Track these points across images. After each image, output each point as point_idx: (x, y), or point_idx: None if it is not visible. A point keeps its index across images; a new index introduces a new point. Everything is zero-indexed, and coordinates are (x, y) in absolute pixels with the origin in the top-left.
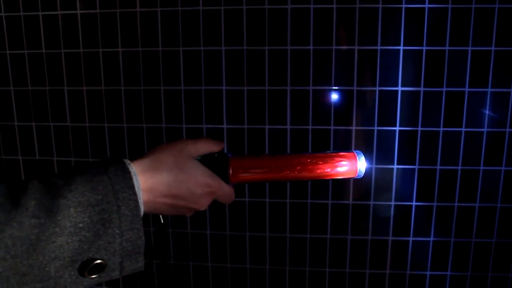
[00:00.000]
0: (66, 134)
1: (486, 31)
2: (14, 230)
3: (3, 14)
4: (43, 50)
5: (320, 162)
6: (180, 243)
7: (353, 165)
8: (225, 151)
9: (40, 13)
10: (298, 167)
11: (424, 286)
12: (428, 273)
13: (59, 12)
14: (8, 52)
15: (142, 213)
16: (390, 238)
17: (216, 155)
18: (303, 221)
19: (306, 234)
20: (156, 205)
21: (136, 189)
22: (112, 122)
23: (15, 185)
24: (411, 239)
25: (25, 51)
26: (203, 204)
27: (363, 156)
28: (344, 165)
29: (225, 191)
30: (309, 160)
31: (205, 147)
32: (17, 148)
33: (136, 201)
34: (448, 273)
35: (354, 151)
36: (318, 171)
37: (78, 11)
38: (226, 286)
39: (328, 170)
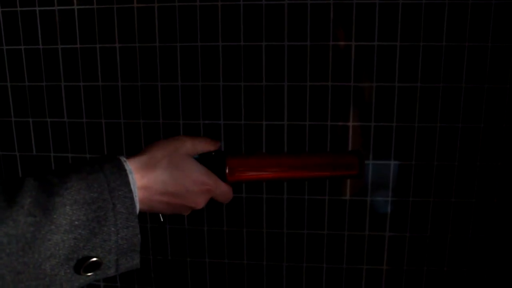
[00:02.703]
0: (63, 130)
1: (483, 27)
2: (9, 228)
3: None
4: (40, 46)
5: (319, 162)
6: (177, 239)
7: (353, 166)
8: (223, 147)
9: (37, 9)
10: (297, 167)
11: (421, 282)
12: (426, 268)
13: (56, 8)
14: (5, 47)
15: (137, 210)
16: (387, 233)
17: (213, 153)
18: (300, 217)
19: (303, 230)
20: (152, 203)
21: (132, 186)
22: (109, 118)
23: (10, 183)
24: (408, 235)
25: (22, 47)
26: (200, 202)
27: (363, 156)
28: (344, 166)
29: (222, 190)
30: (307, 161)
31: (203, 146)
32: (14, 144)
33: (131, 198)
34: (445, 269)
35: (354, 151)
36: (317, 171)
37: (75, 7)
38: (224, 281)
39: (327, 171)
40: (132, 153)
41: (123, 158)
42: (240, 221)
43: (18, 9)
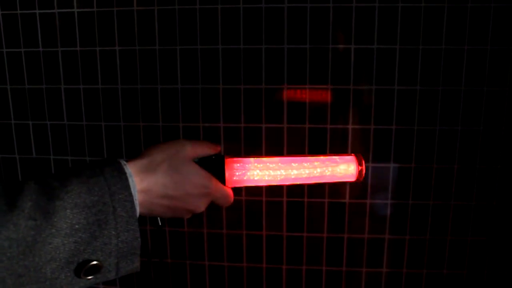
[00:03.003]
0: (63, 132)
1: (482, 30)
2: (10, 232)
3: None
4: (40, 49)
5: (318, 167)
6: (177, 242)
7: (352, 169)
8: (222, 150)
9: (37, 11)
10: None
11: (421, 284)
12: (425, 271)
13: (56, 11)
14: (5, 50)
15: (138, 214)
16: (387, 236)
17: (213, 157)
18: (299, 220)
19: (302, 232)
20: (152, 206)
21: (132, 190)
22: (109, 121)
23: (11, 187)
24: (407, 237)
25: (22, 49)
26: (200, 206)
27: (361, 159)
28: (343, 170)
29: (223, 194)
30: (307, 165)
31: (203, 149)
32: (14, 147)
33: (132, 202)
34: (444, 271)
35: (353, 154)
36: (316, 176)
37: (75, 10)
38: (223, 284)
39: (327, 175)
40: (132, 156)
41: (123, 162)
42: (239, 224)
43: (18, 12)
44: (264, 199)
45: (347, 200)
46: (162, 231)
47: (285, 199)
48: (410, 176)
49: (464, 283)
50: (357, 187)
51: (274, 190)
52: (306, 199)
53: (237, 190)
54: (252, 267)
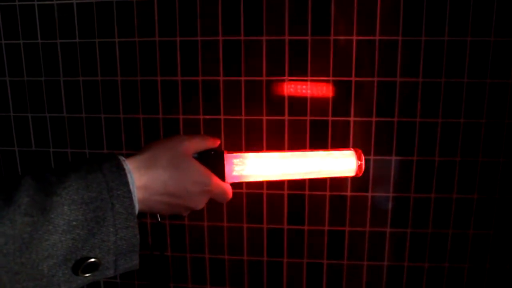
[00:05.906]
0: (62, 125)
1: (486, 21)
2: (6, 228)
3: None
4: (39, 40)
5: (318, 162)
6: (178, 235)
7: (352, 164)
8: (223, 142)
9: (36, 3)
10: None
11: (422, 278)
12: (427, 264)
13: (54, 2)
14: (3, 42)
15: (137, 211)
16: (388, 229)
17: (212, 152)
18: (300, 213)
19: (304, 225)
20: (151, 203)
21: (131, 186)
22: (109, 113)
23: (8, 182)
24: (409, 231)
25: (21, 41)
26: (199, 203)
27: (361, 154)
28: (343, 165)
29: (222, 190)
30: (306, 160)
31: (202, 144)
32: (13, 139)
33: (130, 198)
34: (446, 264)
35: (352, 149)
36: (316, 171)
37: (74, 1)
38: (223, 277)
39: (326, 170)
40: (131, 148)
41: (122, 158)
42: (240, 217)
43: (17, 3)
44: (265, 191)
45: (348, 193)
46: (162, 224)
47: (286, 192)
48: (412, 169)
49: (466, 277)
50: (358, 180)
51: (274, 183)
52: (307, 192)
53: (237, 183)
54: (252, 260)
